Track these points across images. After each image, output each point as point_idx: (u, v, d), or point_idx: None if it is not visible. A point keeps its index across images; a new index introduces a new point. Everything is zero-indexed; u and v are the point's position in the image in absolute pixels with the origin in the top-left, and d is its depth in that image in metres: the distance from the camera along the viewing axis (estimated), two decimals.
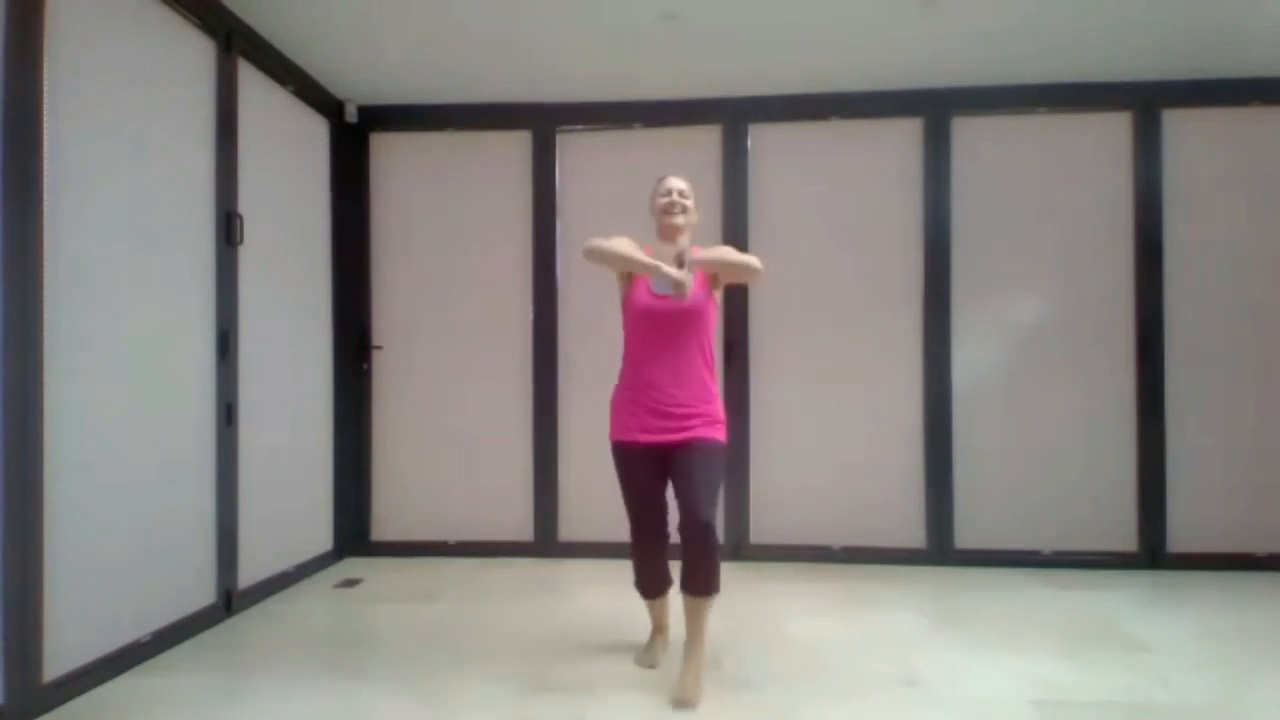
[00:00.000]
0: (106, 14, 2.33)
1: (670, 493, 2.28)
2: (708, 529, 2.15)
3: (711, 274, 2.33)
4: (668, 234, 2.40)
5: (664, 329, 2.27)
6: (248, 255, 3.00)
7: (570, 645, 2.59)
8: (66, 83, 2.16)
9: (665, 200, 2.38)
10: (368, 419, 3.85)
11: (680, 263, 2.19)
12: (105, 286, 2.30)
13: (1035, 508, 3.59)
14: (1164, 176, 3.56)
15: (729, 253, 2.34)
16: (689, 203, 2.41)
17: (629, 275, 2.35)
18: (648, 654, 2.46)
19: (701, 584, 2.18)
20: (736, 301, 3.67)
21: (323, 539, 3.65)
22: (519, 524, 3.80)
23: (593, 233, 3.73)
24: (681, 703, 2.10)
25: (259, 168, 3.09)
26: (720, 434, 2.29)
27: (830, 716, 2.05)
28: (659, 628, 2.51)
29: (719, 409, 2.32)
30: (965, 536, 3.61)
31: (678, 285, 2.13)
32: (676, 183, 2.42)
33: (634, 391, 2.31)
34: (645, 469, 2.29)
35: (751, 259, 2.31)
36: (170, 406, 2.58)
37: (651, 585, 2.42)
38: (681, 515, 2.16)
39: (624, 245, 2.26)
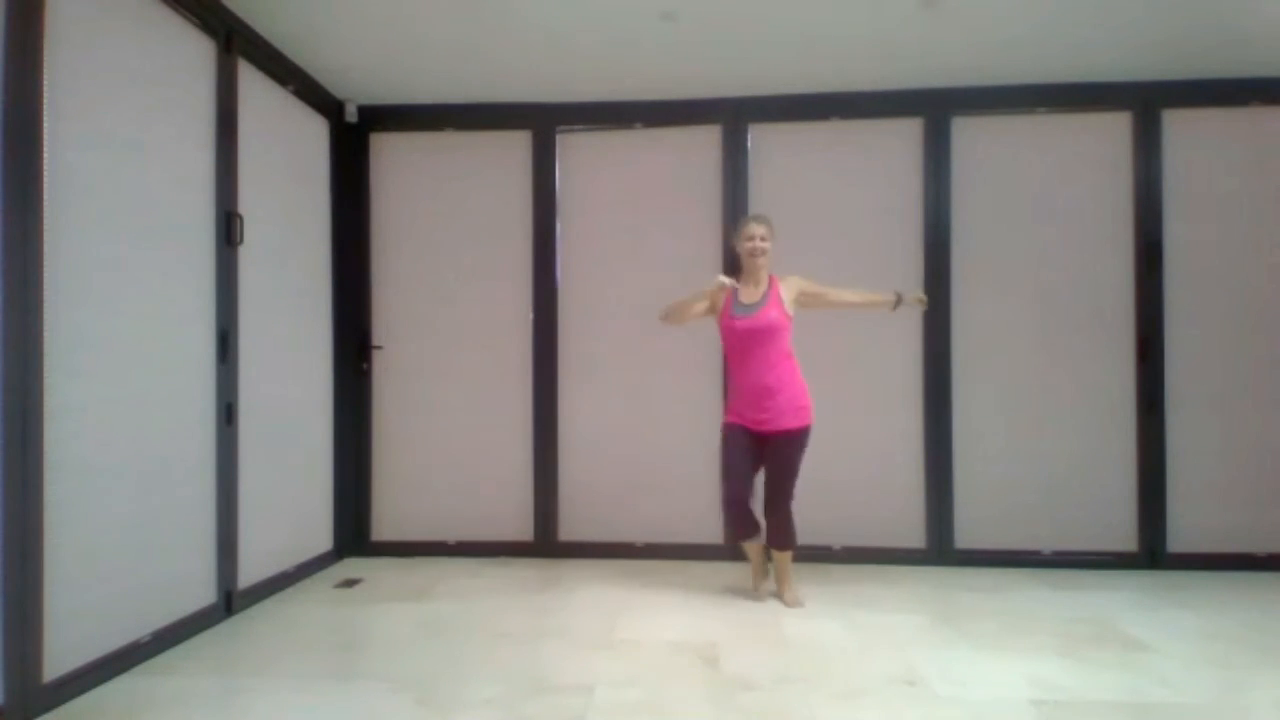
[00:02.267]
0: (106, 14, 2.33)
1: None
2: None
3: (800, 301, 3.05)
4: (750, 267, 3.06)
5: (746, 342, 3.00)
6: (248, 255, 3.00)
7: (570, 645, 2.59)
8: (66, 82, 2.16)
9: (749, 244, 3.03)
10: (368, 419, 3.85)
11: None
12: (105, 286, 2.30)
13: (1035, 508, 3.59)
14: (1164, 176, 3.57)
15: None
16: (768, 245, 3.03)
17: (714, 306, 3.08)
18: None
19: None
20: None
21: (323, 539, 3.65)
22: (519, 524, 3.80)
23: (593, 233, 3.79)
24: (796, 603, 3.02)
25: (259, 168, 3.09)
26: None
27: (830, 716, 2.05)
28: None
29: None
30: (965, 536, 3.61)
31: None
32: (758, 229, 3.04)
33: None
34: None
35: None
36: (170, 406, 2.58)
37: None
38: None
39: (682, 300, 3.10)
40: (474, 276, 3.84)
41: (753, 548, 3.15)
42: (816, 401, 3.39)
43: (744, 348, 2.98)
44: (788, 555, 3.08)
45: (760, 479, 3.08)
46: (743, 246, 3.05)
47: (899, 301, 3.09)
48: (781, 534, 3.04)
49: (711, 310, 3.09)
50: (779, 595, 3.10)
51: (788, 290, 3.03)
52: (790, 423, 2.95)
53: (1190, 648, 2.54)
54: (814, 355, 3.65)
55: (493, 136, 3.84)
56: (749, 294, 3.03)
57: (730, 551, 3.67)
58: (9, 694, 1.95)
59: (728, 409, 3.11)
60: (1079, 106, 3.61)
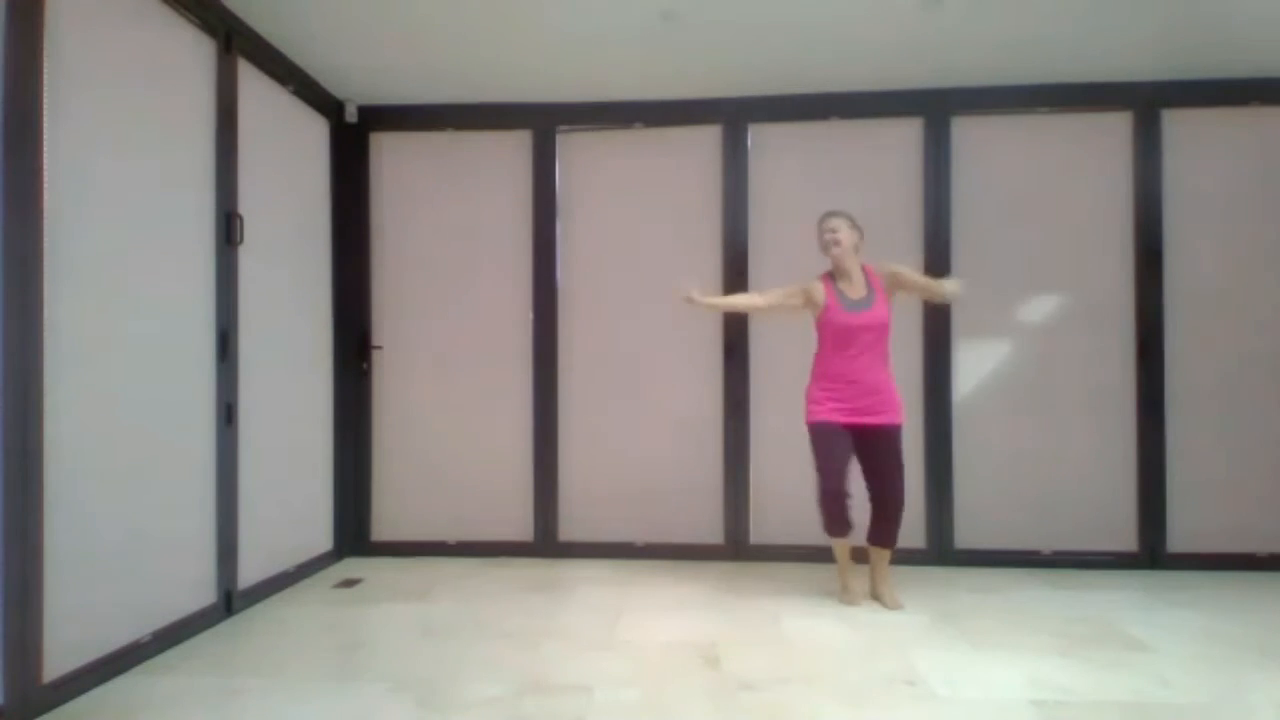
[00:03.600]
0: (106, 13, 2.33)
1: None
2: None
3: (891, 288, 3.03)
4: (834, 260, 3.06)
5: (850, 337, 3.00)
6: (248, 255, 3.00)
7: (570, 645, 2.59)
8: (66, 82, 2.16)
9: (823, 239, 3.05)
10: (368, 419, 3.85)
11: None
12: (105, 286, 2.30)
13: (1035, 508, 3.59)
14: (1164, 176, 3.57)
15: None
16: (840, 237, 3.02)
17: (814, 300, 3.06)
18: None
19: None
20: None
21: (323, 539, 3.65)
22: (519, 524, 3.80)
23: (593, 233, 3.79)
24: (897, 605, 2.99)
25: (259, 168, 3.09)
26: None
27: (830, 716, 2.05)
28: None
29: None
30: (965, 536, 3.61)
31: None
32: (830, 221, 3.05)
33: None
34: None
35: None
36: (170, 406, 2.58)
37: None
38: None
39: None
40: (474, 276, 3.84)
41: (844, 548, 3.09)
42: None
43: (856, 342, 2.95)
44: (889, 554, 3.06)
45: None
46: (821, 240, 3.05)
47: (951, 293, 2.97)
48: (894, 531, 3.01)
49: (807, 308, 3.07)
50: (878, 596, 3.05)
51: (885, 281, 3.03)
52: (896, 417, 2.98)
53: (1190, 648, 2.54)
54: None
55: (493, 136, 3.84)
56: (852, 289, 3.00)
57: (730, 551, 3.68)
58: (9, 694, 1.95)
59: (815, 405, 3.00)
60: (1079, 106, 3.61)
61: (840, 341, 2.98)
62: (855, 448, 3.01)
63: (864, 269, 3.04)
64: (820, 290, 3.04)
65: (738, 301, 3.21)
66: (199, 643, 2.63)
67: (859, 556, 3.14)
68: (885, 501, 2.99)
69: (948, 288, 2.96)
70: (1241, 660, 2.44)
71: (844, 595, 3.07)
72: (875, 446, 2.98)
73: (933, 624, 2.80)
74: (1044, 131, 3.64)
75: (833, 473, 2.97)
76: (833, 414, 2.97)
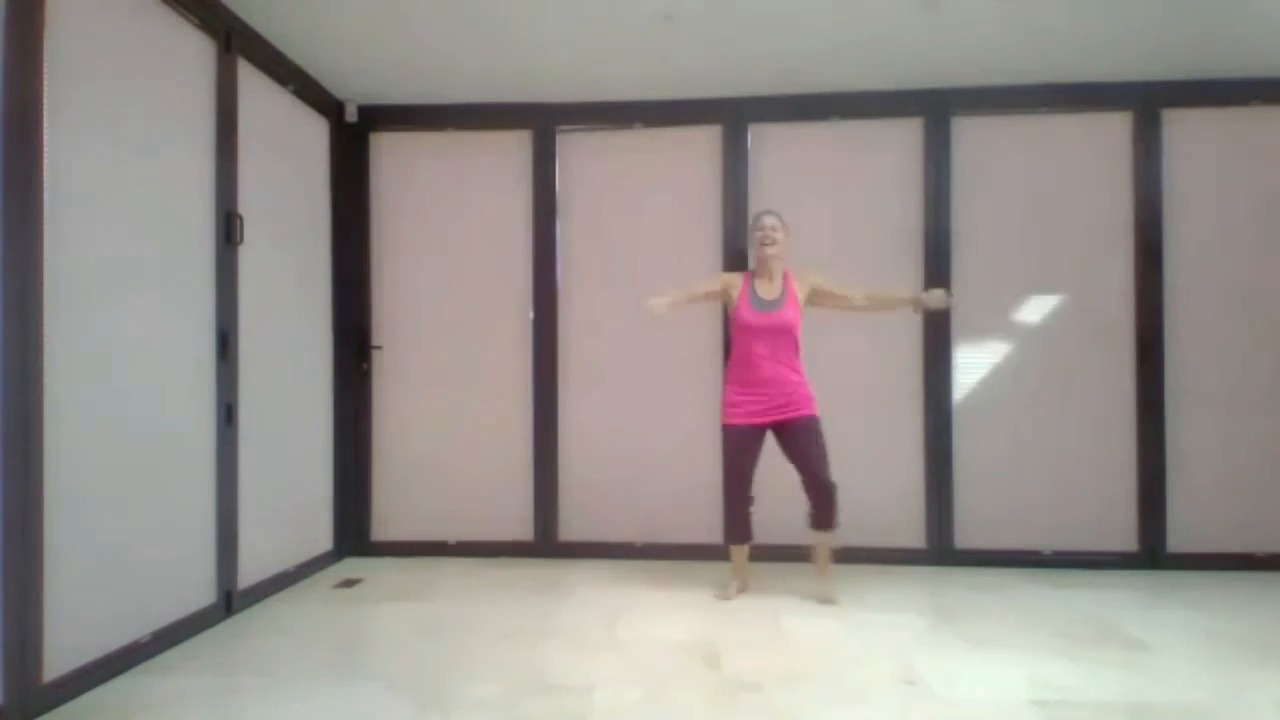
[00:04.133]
0: (106, 14, 2.33)
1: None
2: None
3: (811, 297, 3.12)
4: (762, 258, 3.10)
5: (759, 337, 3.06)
6: (248, 255, 3.00)
7: (570, 645, 2.59)
8: (66, 82, 2.16)
9: (760, 234, 3.09)
10: (368, 419, 3.85)
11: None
12: (105, 286, 2.30)
13: (1035, 508, 3.59)
14: (1164, 176, 3.57)
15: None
16: (779, 236, 3.09)
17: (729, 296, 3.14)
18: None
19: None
20: None
21: (323, 539, 3.65)
22: (519, 524, 3.80)
23: (593, 233, 3.79)
24: (828, 600, 3.04)
25: (259, 168, 3.09)
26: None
27: (830, 716, 2.05)
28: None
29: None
30: (965, 536, 3.61)
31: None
32: (769, 220, 3.10)
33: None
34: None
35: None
36: (170, 406, 2.58)
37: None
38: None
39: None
40: (474, 276, 3.84)
41: (741, 553, 3.18)
42: (817, 401, 3.40)
43: (761, 342, 3.02)
44: (831, 538, 3.09)
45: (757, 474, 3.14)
46: (753, 237, 3.11)
47: (920, 304, 3.11)
48: (832, 511, 3.03)
49: (721, 298, 3.16)
50: (822, 590, 3.08)
51: (802, 287, 3.11)
52: (809, 409, 3.04)
53: (1190, 648, 2.54)
54: (814, 355, 3.65)
55: (493, 136, 3.84)
56: (766, 289, 3.08)
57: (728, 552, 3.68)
58: (9, 694, 1.95)
59: (730, 409, 3.08)
60: (1079, 106, 3.61)
61: (747, 340, 3.05)
62: (778, 443, 3.08)
63: (785, 273, 3.11)
64: (738, 286, 3.11)
65: (680, 297, 3.09)
66: (199, 643, 2.63)
67: (762, 555, 3.31)
68: (816, 487, 3.02)
69: (931, 303, 3.10)
70: (1242, 660, 2.44)
71: (723, 592, 3.14)
72: (795, 437, 3.03)
73: (932, 624, 2.80)
74: (1044, 131, 3.64)
75: (736, 480, 3.07)
76: (746, 417, 3.04)
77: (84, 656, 2.20)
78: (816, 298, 3.13)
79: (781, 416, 3.03)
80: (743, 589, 3.18)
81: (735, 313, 3.09)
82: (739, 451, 3.06)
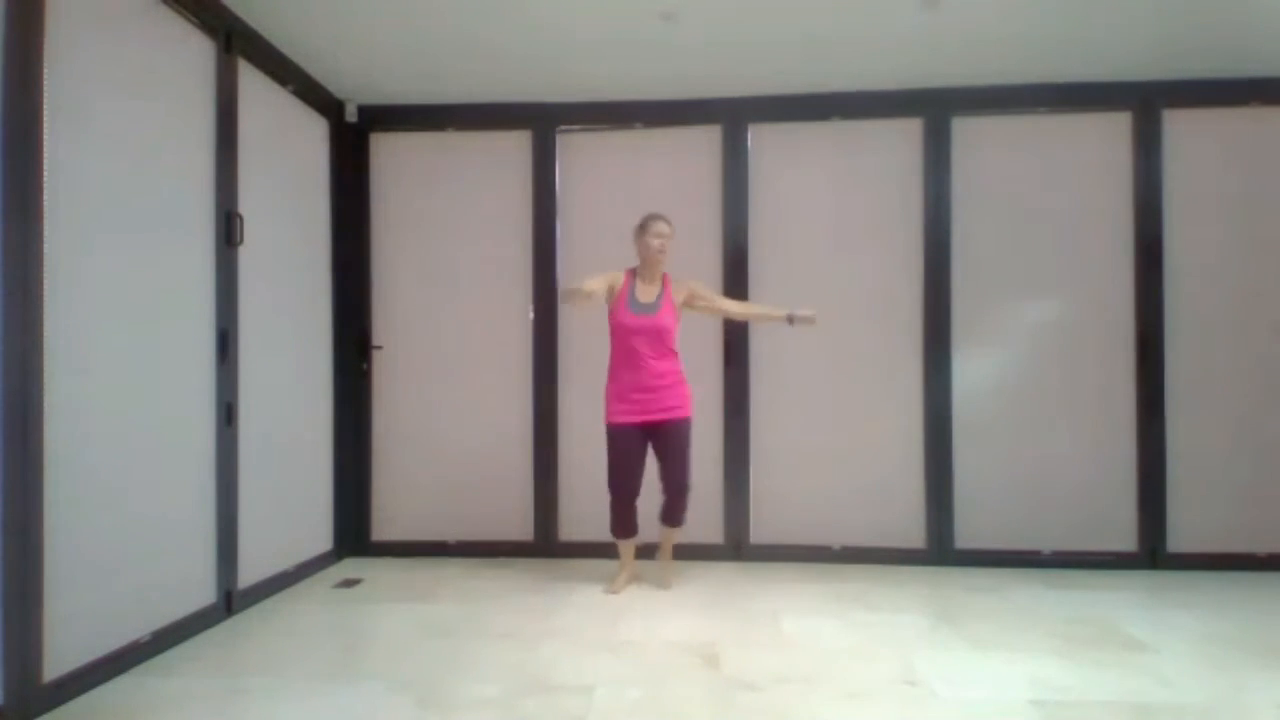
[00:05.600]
0: (106, 14, 2.33)
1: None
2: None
3: (686, 301, 3.21)
4: (652, 263, 3.19)
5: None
6: (248, 255, 3.00)
7: (570, 645, 2.59)
8: (66, 82, 2.16)
9: (658, 242, 3.15)
10: (368, 419, 3.85)
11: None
12: (105, 286, 2.30)
13: (1035, 508, 3.59)
14: (1164, 176, 3.56)
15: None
16: (668, 244, 3.17)
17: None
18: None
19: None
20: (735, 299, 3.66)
21: (323, 539, 3.65)
22: (519, 524, 3.80)
23: (593, 233, 3.79)
24: (666, 585, 3.24)
25: (259, 168, 3.09)
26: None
27: (830, 716, 2.05)
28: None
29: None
30: (965, 536, 3.61)
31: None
32: (666, 228, 3.17)
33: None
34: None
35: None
36: (170, 406, 2.58)
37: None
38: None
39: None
40: (474, 276, 3.84)
41: (629, 548, 3.29)
42: (817, 401, 3.41)
43: (639, 344, 3.11)
44: (677, 533, 3.32)
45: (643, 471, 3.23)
46: (649, 244, 3.15)
47: (792, 319, 3.18)
48: (682, 511, 3.24)
49: (608, 297, 3.17)
50: (661, 577, 3.29)
51: (678, 292, 3.20)
52: (682, 412, 3.16)
53: (1190, 648, 2.54)
54: (814, 355, 3.67)
55: (493, 136, 3.84)
56: (645, 292, 3.16)
57: (730, 551, 3.68)
58: (9, 694, 1.95)
59: (612, 408, 3.16)
60: (1079, 106, 3.61)
61: (623, 340, 3.14)
62: (650, 441, 3.18)
63: (664, 277, 3.21)
64: (620, 284, 3.17)
65: (590, 286, 3.08)
66: (199, 643, 2.63)
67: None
68: (671, 485, 3.19)
69: (801, 317, 3.15)
70: (1241, 660, 2.44)
71: (612, 585, 3.24)
72: (665, 437, 3.15)
73: (932, 624, 2.80)
74: (1044, 131, 3.64)
75: (622, 477, 3.17)
76: (626, 415, 3.13)
77: (84, 656, 2.20)
78: (692, 301, 3.22)
79: (657, 417, 3.13)
80: (632, 579, 3.31)
81: (612, 315, 3.16)
82: (623, 452, 3.15)
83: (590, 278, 3.10)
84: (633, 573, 3.31)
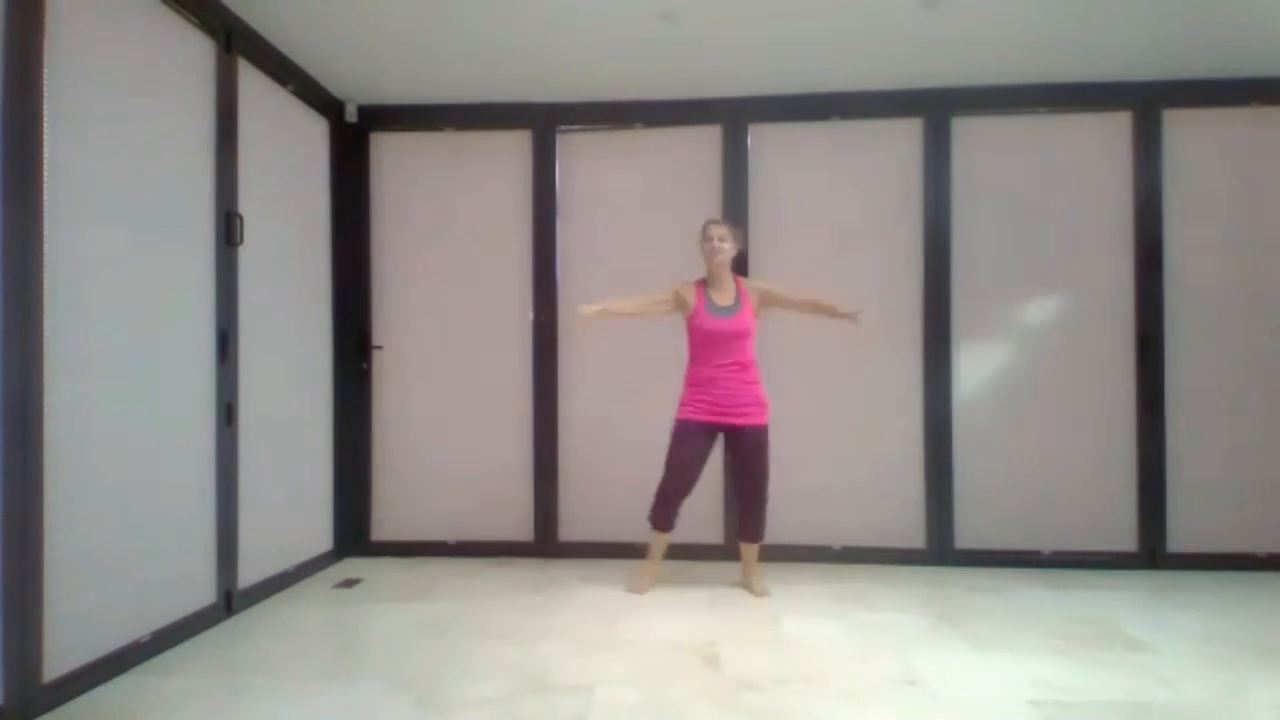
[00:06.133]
0: (106, 14, 2.33)
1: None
2: None
3: (762, 303, 3.23)
4: (712, 268, 3.19)
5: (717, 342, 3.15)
6: (248, 255, 3.00)
7: (570, 645, 2.59)
8: (66, 82, 2.16)
9: (709, 245, 3.17)
10: (368, 419, 3.85)
11: None
12: (105, 286, 2.30)
13: (1035, 508, 3.59)
14: (1164, 176, 3.56)
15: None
16: (726, 245, 3.17)
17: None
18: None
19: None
20: None
21: (323, 539, 3.65)
22: (519, 524, 3.80)
23: (593, 233, 3.79)
24: (764, 593, 3.16)
25: (259, 168, 3.09)
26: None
27: (830, 716, 2.05)
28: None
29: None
30: (965, 536, 3.61)
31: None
32: (717, 230, 3.18)
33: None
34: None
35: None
36: (170, 406, 2.58)
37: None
38: None
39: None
40: (474, 276, 3.84)
41: (662, 544, 3.24)
42: (817, 401, 3.42)
43: (721, 348, 3.11)
44: (757, 549, 3.25)
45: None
46: (704, 249, 3.18)
47: (849, 317, 3.19)
48: (761, 527, 3.21)
49: (676, 308, 3.21)
50: (748, 585, 3.22)
51: (753, 294, 3.21)
52: (761, 418, 3.13)
53: (1190, 648, 2.54)
54: (815, 355, 3.67)
55: (493, 136, 3.84)
56: (721, 296, 3.17)
57: (730, 551, 3.67)
58: (9, 694, 1.95)
59: (683, 406, 3.15)
60: (1079, 106, 3.61)
61: (706, 346, 3.13)
62: (725, 447, 3.18)
63: (735, 280, 3.21)
64: (692, 294, 3.18)
65: (614, 307, 3.19)
66: (199, 643, 2.63)
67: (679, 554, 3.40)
68: (751, 500, 3.16)
69: (846, 310, 3.16)
70: (1241, 660, 2.44)
71: (636, 583, 3.20)
72: (742, 445, 3.11)
73: (932, 624, 2.80)
74: (1044, 131, 3.64)
75: (680, 471, 3.13)
76: (698, 414, 3.11)
77: (84, 656, 2.20)
78: (767, 301, 3.23)
79: (735, 421, 3.10)
80: (656, 580, 3.25)
81: (694, 320, 3.15)
82: (687, 445, 3.13)
83: (633, 296, 3.21)
84: (658, 573, 3.26)
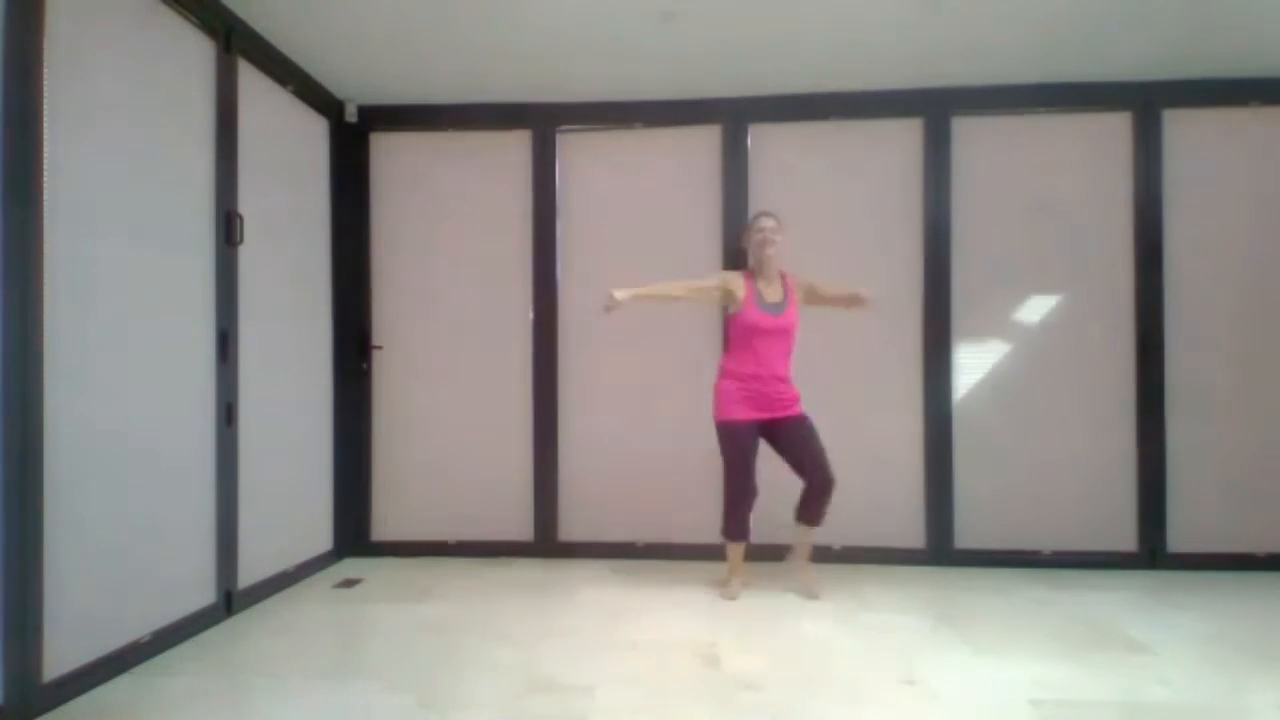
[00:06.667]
0: (106, 14, 2.33)
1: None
2: None
3: (806, 298, 3.19)
4: (761, 259, 3.15)
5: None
6: (248, 255, 3.00)
7: (571, 645, 2.59)
8: (66, 82, 2.16)
9: (759, 236, 3.14)
10: (368, 419, 3.85)
11: None
12: (105, 286, 2.30)
13: (1035, 508, 3.59)
14: (1164, 176, 3.56)
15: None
16: (778, 238, 3.15)
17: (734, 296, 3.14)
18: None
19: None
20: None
21: (323, 539, 3.65)
22: (519, 524, 3.80)
23: (593, 233, 3.79)
24: (816, 595, 3.11)
25: (259, 168, 3.09)
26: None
27: (830, 716, 2.05)
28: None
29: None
30: (965, 537, 3.61)
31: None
32: (768, 222, 3.16)
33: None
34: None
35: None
36: (170, 406, 2.58)
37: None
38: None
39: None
40: (474, 276, 3.84)
41: (740, 551, 3.20)
42: (817, 401, 3.41)
43: (766, 344, 3.09)
44: (815, 534, 3.18)
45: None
46: (753, 239, 3.15)
47: (864, 300, 3.14)
48: (825, 510, 3.10)
49: (721, 296, 3.17)
50: (809, 586, 3.14)
51: (800, 290, 3.19)
52: (799, 409, 3.13)
53: (1190, 648, 2.54)
54: (815, 355, 3.66)
55: (493, 136, 3.84)
56: (769, 292, 3.13)
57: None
58: (9, 694, 1.95)
59: (727, 404, 3.11)
60: (1079, 106, 3.61)
61: (751, 340, 3.09)
62: (773, 443, 3.14)
63: (781, 274, 3.17)
64: (741, 286, 3.13)
65: (655, 291, 3.11)
66: (199, 643, 2.63)
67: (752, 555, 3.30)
68: (817, 482, 3.07)
69: (862, 293, 3.12)
70: (1241, 661, 2.44)
71: (725, 590, 3.16)
72: (792, 433, 3.09)
73: (932, 624, 2.80)
74: (1044, 131, 3.63)
75: (743, 475, 3.10)
76: (745, 412, 3.08)
77: (84, 656, 2.20)
78: (810, 296, 3.20)
79: (778, 414, 3.09)
80: (745, 585, 3.21)
81: (742, 313, 3.10)
82: (742, 449, 3.09)
83: (676, 281, 3.15)
84: (745, 577, 3.22)
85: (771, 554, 3.67)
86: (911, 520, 3.64)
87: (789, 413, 3.10)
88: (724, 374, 3.17)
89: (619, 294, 2.99)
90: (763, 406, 3.08)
